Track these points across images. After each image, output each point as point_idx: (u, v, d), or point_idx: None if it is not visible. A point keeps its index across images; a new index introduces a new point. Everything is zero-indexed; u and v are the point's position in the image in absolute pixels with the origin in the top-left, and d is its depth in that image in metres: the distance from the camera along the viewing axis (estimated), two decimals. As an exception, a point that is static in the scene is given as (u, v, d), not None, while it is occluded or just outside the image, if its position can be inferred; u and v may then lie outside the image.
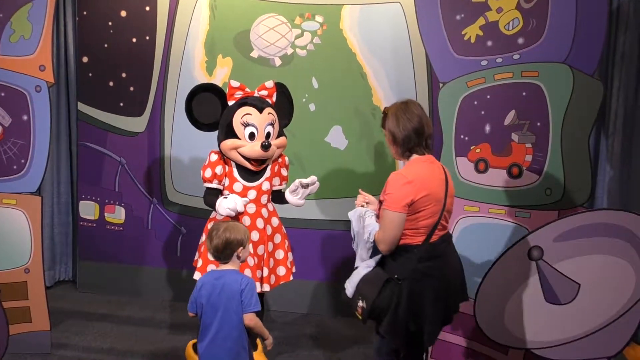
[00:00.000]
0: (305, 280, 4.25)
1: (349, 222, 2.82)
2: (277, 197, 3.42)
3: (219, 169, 3.21)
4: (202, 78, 4.39)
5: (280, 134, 3.29)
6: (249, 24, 4.31)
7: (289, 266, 3.37)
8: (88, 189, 4.65)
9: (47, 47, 3.44)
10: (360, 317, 2.60)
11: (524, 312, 3.03)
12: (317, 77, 4.30)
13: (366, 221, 2.73)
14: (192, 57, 4.41)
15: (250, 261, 3.17)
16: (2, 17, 3.38)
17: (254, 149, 3.11)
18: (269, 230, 3.28)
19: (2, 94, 3.43)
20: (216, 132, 3.27)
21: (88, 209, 4.66)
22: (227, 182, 3.23)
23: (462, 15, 3.20)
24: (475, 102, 3.21)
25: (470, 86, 3.20)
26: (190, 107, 3.23)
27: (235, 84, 3.16)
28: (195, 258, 3.37)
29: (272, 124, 3.20)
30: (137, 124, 4.53)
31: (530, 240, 2.98)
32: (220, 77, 4.38)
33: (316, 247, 4.41)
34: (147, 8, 4.39)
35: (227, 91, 3.19)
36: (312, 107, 4.30)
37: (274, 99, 3.29)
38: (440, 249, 2.60)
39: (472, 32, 3.18)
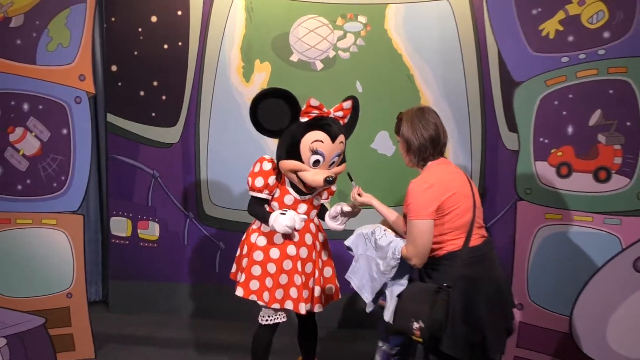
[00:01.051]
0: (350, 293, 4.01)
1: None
2: (320, 212, 3.20)
3: (271, 180, 2.96)
4: (239, 84, 4.19)
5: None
6: (288, 27, 4.11)
7: (337, 284, 3.17)
8: (119, 205, 4.42)
9: (87, 55, 3.24)
10: (420, 340, 2.41)
11: (630, 328, 2.84)
12: (361, 80, 4.10)
13: (381, 240, 2.59)
14: (227, 62, 4.20)
15: (297, 279, 2.95)
16: (38, 25, 3.17)
17: (315, 178, 2.85)
18: (318, 247, 3.08)
19: (40, 107, 3.22)
20: (268, 139, 3.05)
21: (120, 226, 4.42)
22: (277, 193, 3.01)
23: (539, 9, 3.02)
24: (556, 102, 3.03)
25: (549, 85, 3.02)
26: (256, 108, 2.89)
27: (314, 102, 2.82)
28: (233, 271, 3.16)
29: (339, 155, 2.95)
30: (170, 135, 4.31)
31: (636, 251, 2.79)
32: (258, 83, 4.17)
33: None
34: (179, 12, 4.18)
35: (303, 106, 2.89)
36: (356, 112, 4.08)
37: (347, 119, 3.04)
38: (484, 251, 2.48)
39: (550, 27, 3.00)
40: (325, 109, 2.89)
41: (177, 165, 4.33)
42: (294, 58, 4.13)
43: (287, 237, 2.95)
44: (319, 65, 4.13)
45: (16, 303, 3.23)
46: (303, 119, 2.87)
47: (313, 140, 2.83)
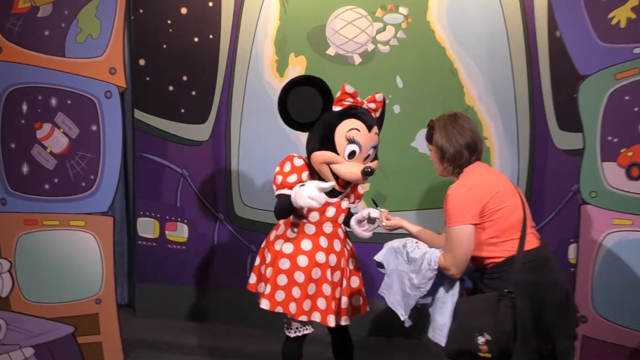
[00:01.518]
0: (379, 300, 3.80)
1: None
2: (346, 217, 2.95)
3: (305, 175, 2.72)
4: (272, 79, 4.00)
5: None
6: (324, 19, 3.90)
7: (364, 295, 2.94)
8: (146, 205, 4.24)
9: (118, 47, 3.05)
10: (489, 356, 2.22)
11: None
12: (402, 75, 3.88)
13: (413, 253, 2.44)
14: (261, 56, 4.00)
15: (327, 289, 2.73)
16: (67, 15, 2.99)
17: (352, 170, 2.65)
18: (346, 254, 2.86)
19: (69, 102, 3.04)
20: (303, 137, 2.84)
21: (147, 227, 4.25)
22: None
23: (609, -5, 2.79)
24: (627, 97, 2.81)
25: (619, 79, 2.80)
26: (285, 99, 2.72)
27: (349, 89, 2.67)
28: (252, 282, 2.94)
29: (375, 147, 2.77)
30: (200, 132, 4.12)
31: None
32: (292, 77, 3.94)
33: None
34: (210, 4, 3.99)
35: (336, 94, 2.72)
36: (396, 108, 3.89)
37: (378, 114, 2.85)
38: (544, 253, 2.35)
39: (621, 15, 2.77)
40: (359, 98, 2.72)
41: (207, 164, 4.15)
42: (331, 52, 3.93)
43: (317, 242, 2.75)
44: (357, 60, 3.92)
45: (42, 309, 3.07)
46: (336, 108, 2.70)
47: (349, 128, 2.64)
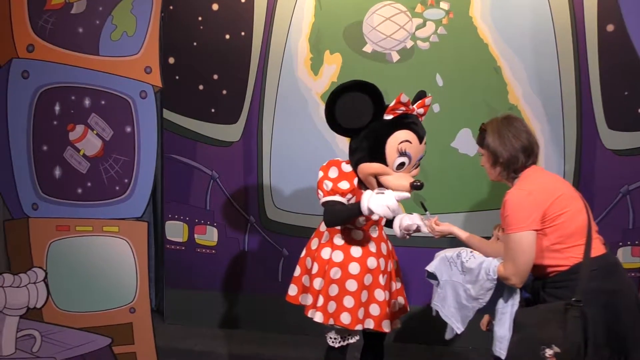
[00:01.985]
0: (421, 306, 3.66)
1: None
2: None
3: (356, 182, 2.61)
4: (306, 78, 3.86)
5: None
6: (361, 15, 3.77)
7: (405, 295, 2.86)
8: (175, 208, 4.12)
9: (154, 46, 2.92)
10: None
11: None
12: (442, 73, 3.74)
13: (468, 263, 2.33)
14: (294, 54, 3.87)
15: (380, 295, 2.63)
16: (102, 11, 2.86)
17: (401, 183, 2.52)
18: (390, 256, 2.80)
19: (102, 102, 2.91)
20: (337, 137, 2.70)
21: (176, 230, 4.12)
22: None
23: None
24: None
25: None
26: (334, 102, 2.54)
27: (404, 99, 2.51)
28: (293, 294, 2.78)
29: (422, 157, 2.67)
30: (231, 133, 4.00)
31: None
32: (327, 75, 3.85)
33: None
34: (243, 0, 3.83)
35: (391, 103, 2.55)
36: (436, 107, 3.74)
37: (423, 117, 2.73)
38: (611, 260, 2.26)
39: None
40: (411, 106, 2.59)
41: (238, 166, 4.03)
42: (368, 49, 3.78)
43: (366, 248, 2.64)
44: (395, 57, 3.77)
45: (74, 319, 2.94)
46: (387, 117, 2.55)
47: (401, 140, 2.52)
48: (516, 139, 2.27)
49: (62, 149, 2.91)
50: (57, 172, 2.92)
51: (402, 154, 2.53)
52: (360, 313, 2.60)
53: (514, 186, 2.28)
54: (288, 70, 3.88)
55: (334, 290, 2.60)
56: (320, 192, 2.61)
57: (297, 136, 3.90)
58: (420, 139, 2.58)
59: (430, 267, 2.47)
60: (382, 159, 2.54)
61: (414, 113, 2.61)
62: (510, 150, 2.26)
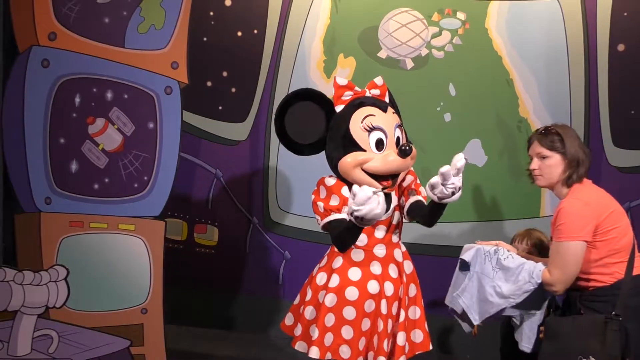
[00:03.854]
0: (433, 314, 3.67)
1: None
2: (416, 210, 2.43)
3: (345, 190, 2.33)
4: (319, 80, 3.82)
5: None
6: (378, 20, 3.76)
7: (427, 329, 2.52)
8: (175, 205, 3.93)
9: (183, 40, 2.85)
10: None
11: None
12: (455, 82, 3.76)
13: (507, 261, 2.37)
14: (307, 55, 3.84)
15: (380, 325, 2.34)
16: (130, 2, 2.77)
17: (387, 159, 2.27)
18: (404, 279, 2.44)
19: (125, 96, 2.81)
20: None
21: (175, 228, 4.02)
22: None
23: None
24: None
25: None
26: (282, 124, 2.39)
27: (342, 81, 2.38)
28: (289, 324, 2.56)
29: (400, 126, 2.41)
30: (238, 131, 3.94)
31: None
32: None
33: (446, 278, 3.85)
34: (257, -3, 3.81)
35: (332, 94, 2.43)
36: (447, 117, 3.76)
37: (386, 99, 2.50)
38: None
39: None
40: (357, 88, 2.42)
41: (244, 165, 3.97)
42: (382, 54, 3.78)
43: (367, 270, 2.36)
44: (410, 64, 3.77)
45: (86, 318, 2.82)
46: (338, 108, 2.40)
47: (363, 117, 2.32)
48: (584, 146, 2.42)
49: (80, 143, 2.80)
50: (74, 166, 2.80)
51: (371, 129, 2.31)
52: (362, 344, 2.34)
53: (569, 196, 2.33)
54: (300, 71, 3.85)
55: (330, 320, 2.33)
56: (317, 217, 2.38)
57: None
58: (384, 109, 2.37)
59: (465, 256, 2.50)
60: (356, 147, 2.32)
61: (368, 94, 2.44)
62: (583, 155, 2.36)
